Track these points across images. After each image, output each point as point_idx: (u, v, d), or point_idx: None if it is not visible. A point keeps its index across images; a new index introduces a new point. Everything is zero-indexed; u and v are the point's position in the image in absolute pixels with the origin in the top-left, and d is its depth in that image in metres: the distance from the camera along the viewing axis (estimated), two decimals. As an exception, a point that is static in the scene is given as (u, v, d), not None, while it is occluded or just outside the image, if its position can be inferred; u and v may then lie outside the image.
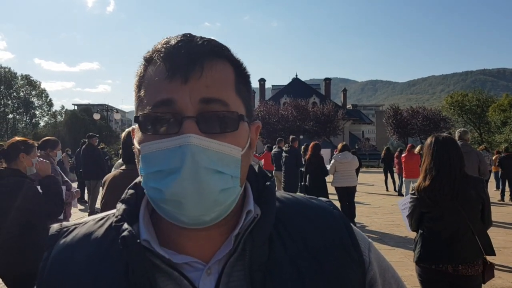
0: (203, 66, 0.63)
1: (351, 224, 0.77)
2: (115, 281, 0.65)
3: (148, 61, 0.67)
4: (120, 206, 0.71)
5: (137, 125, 0.66)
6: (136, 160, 0.67)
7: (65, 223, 0.76)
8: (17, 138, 3.44)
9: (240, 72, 0.69)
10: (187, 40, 0.65)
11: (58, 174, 4.59)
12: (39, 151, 4.76)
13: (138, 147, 0.65)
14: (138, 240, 0.64)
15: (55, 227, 0.75)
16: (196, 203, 0.60)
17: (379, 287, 0.75)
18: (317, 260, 0.69)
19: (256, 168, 0.77)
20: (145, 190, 0.65)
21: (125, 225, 0.66)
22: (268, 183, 0.74)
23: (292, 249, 0.69)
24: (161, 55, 0.64)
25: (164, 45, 0.65)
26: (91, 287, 0.65)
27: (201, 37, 0.67)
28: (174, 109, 0.62)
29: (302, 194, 0.82)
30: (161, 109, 0.62)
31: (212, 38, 0.69)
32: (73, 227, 0.74)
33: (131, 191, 0.73)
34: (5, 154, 3.23)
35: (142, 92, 0.66)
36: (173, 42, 0.65)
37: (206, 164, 0.60)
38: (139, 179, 0.72)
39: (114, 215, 0.71)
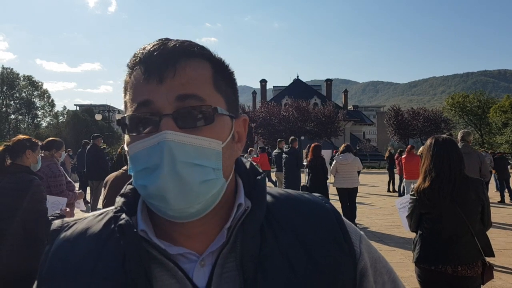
0: (175, 65, 0.66)
1: (343, 217, 0.79)
2: (113, 272, 0.67)
3: (130, 67, 0.71)
4: (119, 199, 0.74)
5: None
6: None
7: (66, 219, 0.80)
8: (22, 136, 3.47)
9: (219, 69, 0.72)
10: (162, 43, 0.69)
11: (63, 175, 4.61)
12: (43, 151, 4.79)
13: (126, 149, 0.68)
14: (135, 230, 0.67)
15: (56, 222, 0.79)
16: (178, 196, 0.62)
17: (370, 277, 0.77)
18: (308, 252, 0.71)
19: (248, 164, 0.80)
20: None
21: (123, 215, 0.70)
22: (258, 177, 0.77)
23: (284, 242, 0.71)
24: (137, 60, 0.69)
25: (141, 51, 0.69)
26: (89, 278, 0.68)
27: (177, 40, 0.71)
28: (152, 109, 0.65)
29: (295, 190, 0.85)
30: (141, 110, 0.66)
31: (189, 40, 0.72)
32: (74, 222, 0.78)
33: (130, 186, 0.76)
34: (11, 151, 3.24)
35: (127, 97, 0.70)
36: (149, 47, 0.69)
37: (183, 158, 0.63)
38: None
39: (113, 209, 0.74)
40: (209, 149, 0.66)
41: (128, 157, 0.68)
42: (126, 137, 0.69)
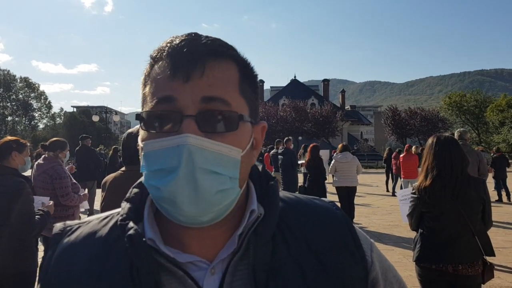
0: (204, 65, 0.63)
1: (354, 225, 0.78)
2: (120, 279, 0.65)
3: (154, 59, 0.68)
4: (125, 205, 0.71)
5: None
6: (140, 158, 0.68)
7: (68, 222, 0.76)
8: (9, 137, 3.45)
9: (245, 72, 0.69)
10: (191, 39, 0.66)
11: (68, 176, 4.53)
12: (47, 152, 4.73)
13: (141, 145, 0.65)
14: (144, 239, 0.65)
15: (58, 226, 0.76)
16: (191, 203, 0.60)
17: (381, 287, 0.76)
18: (320, 260, 0.70)
19: (260, 168, 0.78)
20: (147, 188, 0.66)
21: (131, 224, 0.67)
22: (271, 183, 0.75)
23: (295, 249, 0.69)
24: (164, 53, 0.66)
25: (168, 44, 0.66)
26: (95, 286, 0.66)
27: (207, 37, 0.68)
28: (175, 107, 0.62)
29: (304, 195, 0.83)
30: (163, 106, 0.63)
31: (218, 38, 0.69)
32: (77, 226, 0.75)
33: (135, 190, 0.73)
34: None
35: (147, 90, 0.67)
36: (177, 41, 0.66)
37: (202, 165, 0.60)
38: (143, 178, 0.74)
39: (118, 214, 0.71)
40: (228, 156, 0.63)
41: (142, 154, 0.65)
42: (142, 133, 0.66)
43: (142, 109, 0.67)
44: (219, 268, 0.67)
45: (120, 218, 0.69)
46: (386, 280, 0.78)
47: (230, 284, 0.65)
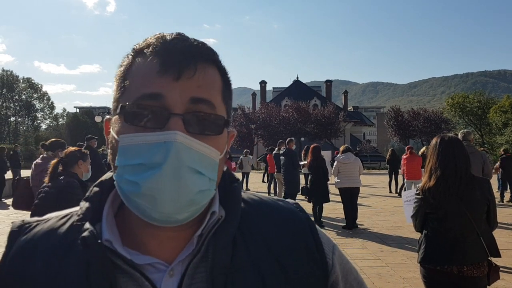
0: (196, 66, 0.63)
1: (316, 227, 0.77)
2: (75, 281, 0.63)
3: (138, 53, 0.66)
4: (84, 205, 0.69)
5: (117, 115, 0.65)
6: (109, 151, 0.66)
7: (27, 219, 0.74)
8: (72, 148, 3.74)
9: (226, 80, 0.70)
10: (182, 38, 0.66)
11: None
12: (45, 152, 4.74)
13: (116, 138, 0.63)
14: (100, 241, 0.64)
15: (16, 223, 0.73)
16: (173, 200, 0.59)
17: None
18: (280, 263, 0.68)
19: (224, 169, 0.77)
20: (116, 183, 0.63)
21: (87, 225, 0.66)
22: (235, 184, 0.74)
23: (256, 252, 0.68)
24: (156, 48, 0.64)
25: (160, 40, 0.65)
26: (50, 287, 0.64)
27: (195, 39, 0.68)
28: (162, 104, 0.61)
29: (270, 196, 0.81)
30: (149, 102, 0.62)
31: (204, 41, 0.70)
32: (36, 223, 0.72)
33: (96, 189, 0.71)
34: (64, 162, 3.50)
35: (127, 82, 0.65)
36: (168, 38, 0.65)
37: (189, 163, 0.60)
38: (105, 177, 0.72)
39: (76, 213, 0.70)
40: (210, 158, 0.63)
41: (115, 146, 0.63)
42: (119, 125, 0.64)
43: (119, 102, 0.65)
44: (178, 270, 0.65)
45: (77, 218, 0.68)
46: (347, 282, 0.77)
47: (188, 286, 0.64)
